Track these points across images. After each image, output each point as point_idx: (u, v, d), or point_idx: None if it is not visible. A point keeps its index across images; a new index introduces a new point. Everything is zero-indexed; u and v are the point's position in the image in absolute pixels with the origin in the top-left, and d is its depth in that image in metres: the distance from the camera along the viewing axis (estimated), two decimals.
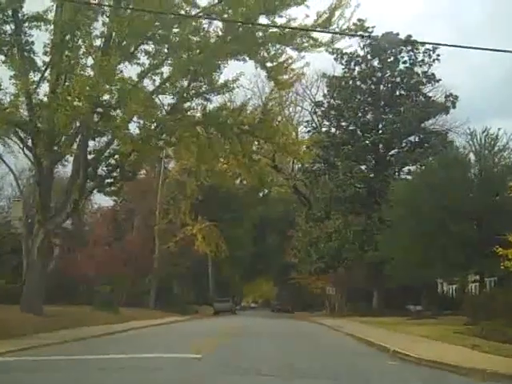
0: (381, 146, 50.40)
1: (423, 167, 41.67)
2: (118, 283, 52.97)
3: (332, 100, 52.43)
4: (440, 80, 50.55)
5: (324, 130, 53.42)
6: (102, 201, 66.25)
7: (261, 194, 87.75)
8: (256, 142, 32.74)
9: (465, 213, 30.89)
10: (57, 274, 55.59)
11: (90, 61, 25.49)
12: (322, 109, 53.35)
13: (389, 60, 50.52)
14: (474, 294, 54.59)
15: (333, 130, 52.71)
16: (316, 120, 57.49)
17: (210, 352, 16.94)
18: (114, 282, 52.89)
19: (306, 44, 28.16)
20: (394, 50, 50.22)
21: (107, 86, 23.66)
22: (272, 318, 52.78)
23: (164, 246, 54.45)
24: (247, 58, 28.60)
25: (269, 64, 29.02)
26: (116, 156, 28.62)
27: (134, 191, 61.88)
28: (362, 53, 50.99)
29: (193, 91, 28.17)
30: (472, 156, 32.71)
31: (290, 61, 29.02)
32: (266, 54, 28.65)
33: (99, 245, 54.47)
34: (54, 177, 29.94)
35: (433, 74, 50.31)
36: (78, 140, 27.80)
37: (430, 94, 51.39)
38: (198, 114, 29.30)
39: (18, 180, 46.60)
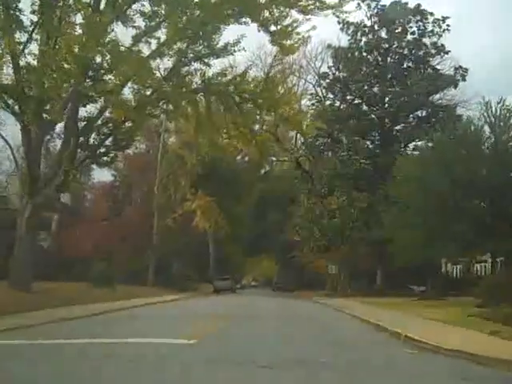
0: (387, 120, 48.41)
1: (432, 142, 39.79)
2: (115, 259, 51.39)
3: (337, 72, 50.31)
4: (449, 51, 48.49)
5: (328, 103, 51.14)
6: (101, 176, 64.61)
7: (262, 171, 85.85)
8: (258, 113, 30.62)
9: (477, 189, 29.09)
10: (54, 250, 54.34)
11: (80, 19, 23.47)
12: (327, 81, 51.23)
13: (396, 31, 48.47)
14: (479, 274, 53.26)
15: (337, 103, 50.53)
16: (320, 93, 55.34)
17: (205, 337, 15.17)
18: (112, 258, 51.34)
19: (312, 6, 26.14)
20: (402, 20, 48.09)
21: (98, 48, 21.62)
22: (272, 298, 51.07)
23: (163, 221, 52.64)
24: (249, 21, 26.61)
25: (272, 27, 27.03)
26: (109, 124, 26.63)
27: (133, 166, 60.17)
28: (368, 23, 49.14)
29: (191, 55, 26.21)
30: (486, 128, 30.69)
31: (295, 24, 26.97)
32: (269, 17, 26.62)
33: (97, 220, 52.80)
34: (46, 147, 28.10)
35: (442, 45, 48.19)
36: (68, 107, 25.82)
37: (439, 67, 49.28)
38: (197, 80, 27.30)
39: (14, 154, 44.89)
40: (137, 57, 23.07)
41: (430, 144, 44.10)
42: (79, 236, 52.05)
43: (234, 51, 26.01)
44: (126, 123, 26.25)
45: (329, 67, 51.37)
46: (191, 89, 27.22)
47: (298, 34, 27.35)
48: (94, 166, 65.97)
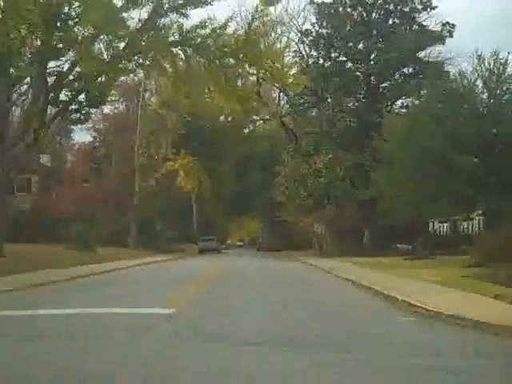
0: (373, 77, 46.69)
1: (420, 98, 38.35)
2: (96, 221, 49.90)
3: (321, 29, 48.22)
4: (436, 7, 46.56)
5: (312, 61, 49.13)
6: (82, 139, 62.80)
7: (246, 131, 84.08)
8: (239, 68, 28.73)
9: (470, 144, 27.68)
10: (33, 212, 52.77)
11: None
12: (310, 38, 49.11)
13: None
14: (466, 233, 52.32)
15: (321, 61, 48.53)
16: (303, 51, 53.23)
17: (184, 305, 13.73)
18: (92, 220, 49.86)
19: None
20: None
21: None
22: (258, 258, 49.86)
23: (145, 182, 50.99)
24: None
25: None
26: (81, 80, 24.71)
27: (113, 126, 58.29)
28: None
29: (167, 5, 24.17)
30: (479, 83, 29.09)
31: None
32: None
33: (77, 182, 51.09)
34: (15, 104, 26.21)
35: (429, 1, 46.20)
36: (36, 61, 23.86)
37: (425, 23, 47.39)
38: (174, 33, 25.37)
39: None
40: (107, 4, 21.07)
41: (417, 101, 42.83)
42: (59, 197, 50.52)
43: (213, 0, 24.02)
44: (99, 78, 24.30)
45: (312, 24, 49.32)
46: (168, 42, 25.29)
47: None
48: (74, 128, 64.64)
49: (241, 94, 28.57)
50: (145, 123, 52.30)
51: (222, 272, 27.57)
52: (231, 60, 26.72)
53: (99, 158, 57.57)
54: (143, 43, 24.34)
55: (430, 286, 17.95)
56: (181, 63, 27.23)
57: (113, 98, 57.15)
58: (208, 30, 25.89)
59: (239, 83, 29.80)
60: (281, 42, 53.38)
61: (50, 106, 24.80)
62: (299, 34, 52.42)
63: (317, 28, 48.32)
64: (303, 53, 52.34)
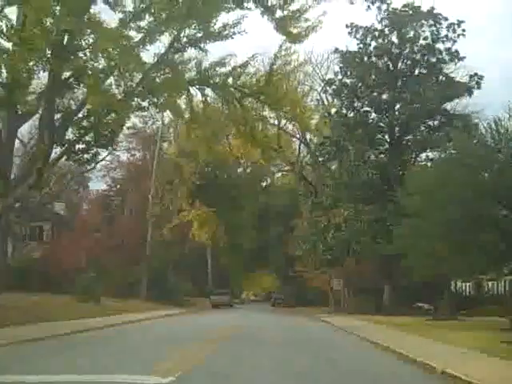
0: (397, 129, 44.67)
1: (448, 150, 36.27)
2: (106, 271, 47.82)
3: (344, 78, 46.51)
4: (464, 58, 44.73)
5: (334, 110, 47.29)
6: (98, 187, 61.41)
7: (264, 184, 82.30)
8: (260, 109, 26.86)
9: (504, 197, 25.44)
10: (44, 262, 50.81)
11: None
12: (333, 87, 47.31)
13: (408, 35, 44.75)
14: (491, 293, 49.62)
15: (344, 110, 46.63)
16: (326, 100, 51.57)
17: (185, 373, 11.39)
18: (100, 269, 47.77)
19: None
20: (414, 24, 44.42)
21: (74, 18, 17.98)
22: (272, 314, 47.23)
23: (158, 232, 48.95)
24: (253, 6, 23.10)
25: (279, 13, 23.45)
26: (90, 118, 22.93)
27: (129, 174, 56.73)
28: (379, 26, 45.12)
29: (185, 39, 22.47)
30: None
31: (303, 9, 23.40)
32: (274, 1, 23.10)
33: (88, 231, 49.17)
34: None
35: (456, 51, 44.51)
36: (44, 96, 22.16)
37: (453, 74, 45.56)
38: (192, 70, 23.66)
39: None
40: (122, 35, 19.36)
41: (444, 154, 40.83)
42: (70, 246, 48.51)
43: (234, 34, 22.26)
44: (109, 116, 22.50)
45: (335, 73, 47.50)
46: (185, 79, 23.54)
47: (306, 20, 23.77)
48: (92, 176, 63.23)
49: (260, 138, 26.66)
50: (160, 172, 50.63)
51: (234, 330, 25.19)
52: (251, 101, 24.81)
53: (113, 206, 55.83)
54: (158, 80, 22.55)
55: (467, 353, 15.54)
56: (198, 105, 25.50)
57: (130, 146, 55.83)
58: (228, 68, 24.15)
59: (259, 128, 27.87)
60: (303, 89, 52.00)
61: (55, 146, 22.87)
62: (322, 83, 50.85)
63: (340, 77, 46.56)
64: (325, 102, 50.71)
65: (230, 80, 24.25)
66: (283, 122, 52.82)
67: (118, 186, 58.49)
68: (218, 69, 23.89)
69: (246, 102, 24.80)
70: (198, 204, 51.47)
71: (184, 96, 24.13)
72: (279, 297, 74.07)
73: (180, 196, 50.36)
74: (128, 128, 54.56)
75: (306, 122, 27.82)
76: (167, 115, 57.09)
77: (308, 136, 54.26)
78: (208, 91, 24.80)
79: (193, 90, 24.49)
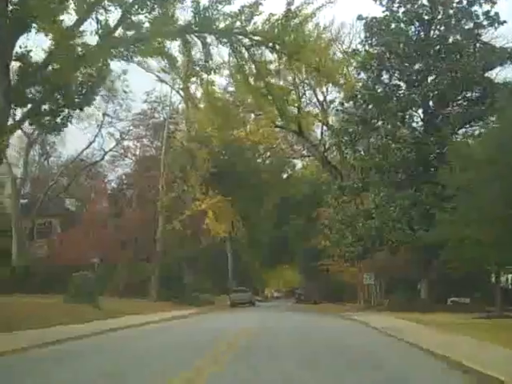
0: (432, 102, 38.78)
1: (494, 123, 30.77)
2: (112, 269, 42.81)
3: (370, 48, 40.55)
4: (505, 22, 38.65)
5: (360, 85, 41.17)
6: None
7: (284, 176, 76.60)
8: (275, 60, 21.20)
9: None
10: (50, 260, 46.53)
11: None
12: (359, 59, 41.35)
13: None
14: None
15: (371, 84, 40.53)
16: (349, 76, 45.57)
17: None
18: (109, 267, 42.79)
19: None
20: None
21: None
22: (296, 313, 41.51)
23: (169, 225, 43.46)
24: None
25: None
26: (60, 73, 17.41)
27: (138, 165, 51.57)
28: None
29: None
30: None
31: None
32: None
33: (94, 225, 44.04)
34: None
35: (496, 15, 38.47)
36: None
37: (492, 39, 39.61)
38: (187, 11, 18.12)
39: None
40: None
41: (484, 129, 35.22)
42: (77, 242, 43.54)
43: None
44: (83, 68, 17.03)
45: (360, 42, 41.58)
46: (179, 25, 18.01)
47: None
48: (100, 169, 58.19)
49: (277, 91, 21.02)
50: (171, 159, 45.10)
51: (248, 336, 19.66)
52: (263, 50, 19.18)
53: (121, 198, 50.58)
54: (145, 24, 17.05)
55: None
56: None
57: (139, 133, 50.57)
58: (234, 9, 18.57)
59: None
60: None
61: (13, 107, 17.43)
62: (346, 56, 44.84)
63: (366, 47, 40.60)
64: (350, 76, 44.71)
65: (238, 24, 18.66)
66: (303, 101, 47.51)
67: (124, 178, 53.19)
68: (220, 8, 18.27)
69: (256, 51, 19.16)
70: (213, 193, 45.45)
71: (179, 43, 18.54)
72: (303, 293, 67.93)
73: (193, 184, 44.56)
74: (137, 114, 49.58)
75: (332, 73, 22.18)
76: (176, 97, 52.14)
77: (331, 118, 48.66)
78: (209, 40, 19.18)
79: (190, 38, 18.88)
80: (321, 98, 48.93)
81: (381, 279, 44.27)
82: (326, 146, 50.38)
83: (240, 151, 53.60)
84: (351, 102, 41.25)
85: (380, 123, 39.07)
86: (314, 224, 58.36)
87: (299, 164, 76.31)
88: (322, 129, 50.39)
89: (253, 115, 52.43)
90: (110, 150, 51.97)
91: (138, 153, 52.15)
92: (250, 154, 58.76)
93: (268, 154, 67.14)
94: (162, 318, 30.23)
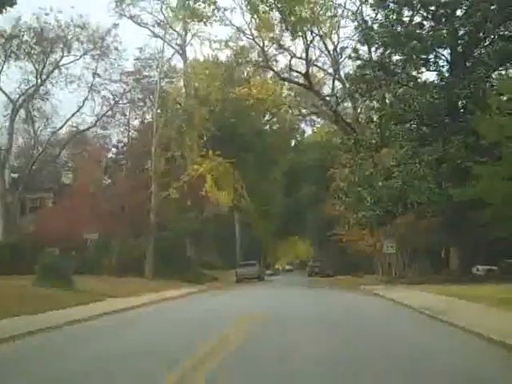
0: (461, 40, 32.61)
1: None
2: (105, 245, 37.54)
3: None
4: None
5: (377, 25, 34.88)
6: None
7: (293, 142, 70.68)
8: None
9: None
10: (36, 237, 40.99)
11: None
12: None
13: None
14: None
15: (389, 25, 34.17)
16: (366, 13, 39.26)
17: None
18: (101, 243, 37.53)
19: None
20: None
21: None
22: (310, 288, 35.78)
23: (164, 193, 37.73)
24: None
25: None
26: None
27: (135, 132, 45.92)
28: None
29: None
30: None
31: None
32: None
33: (86, 197, 38.51)
34: None
35: None
36: None
37: None
38: None
39: None
40: None
41: None
42: (64, 217, 38.05)
43: None
44: None
45: None
46: None
47: None
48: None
49: None
50: (165, 118, 39.06)
51: (255, 323, 14.17)
52: None
53: (116, 168, 44.88)
54: None
55: None
56: None
57: (129, 93, 44.69)
58: None
59: None
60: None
61: None
62: None
63: None
64: (366, 17, 38.29)
65: None
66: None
67: (121, 145, 47.41)
68: None
69: None
70: (212, 154, 39.25)
71: None
72: (316, 265, 61.60)
73: (190, 145, 38.49)
74: (130, 73, 43.88)
75: None
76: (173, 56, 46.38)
77: (343, 72, 42.49)
78: None
79: None
80: (331, 47, 42.70)
81: (402, 248, 38.53)
82: (339, 99, 44.15)
83: (243, 111, 47.61)
84: (366, 47, 35.17)
85: (399, 68, 33.01)
86: (327, 191, 52.83)
87: (309, 130, 70.57)
88: (334, 83, 44.14)
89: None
90: (104, 116, 46.03)
91: (132, 116, 46.17)
92: (255, 117, 52.66)
93: (275, 118, 61.12)
94: (151, 300, 24.66)
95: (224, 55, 56.47)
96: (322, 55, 44.04)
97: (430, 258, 39.52)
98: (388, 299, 23.68)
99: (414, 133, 32.25)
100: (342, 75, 42.55)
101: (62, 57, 43.56)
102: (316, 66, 44.86)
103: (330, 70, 44.93)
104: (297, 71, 43.50)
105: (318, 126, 64.65)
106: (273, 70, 45.56)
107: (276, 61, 47.16)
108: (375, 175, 32.59)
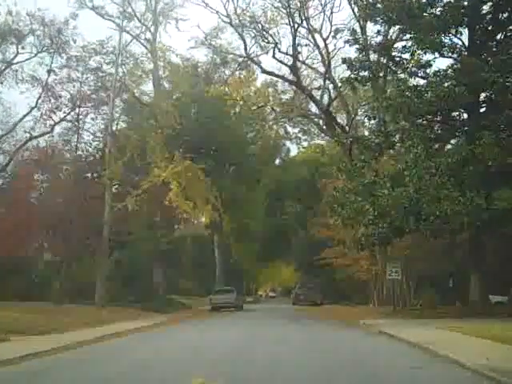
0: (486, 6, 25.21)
1: None
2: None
3: None
4: None
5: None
6: None
7: (277, 161, 63.32)
8: None
9: None
10: None
11: None
12: None
13: None
14: None
15: None
16: None
17: None
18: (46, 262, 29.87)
19: None
20: None
21: None
22: (297, 323, 27.75)
23: (120, 204, 29.74)
24: None
25: None
26: None
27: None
28: None
29: None
30: None
31: None
32: None
33: (19, 204, 30.68)
34: None
35: None
36: None
37: None
38: None
39: None
40: None
41: None
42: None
43: None
44: None
45: None
46: None
47: None
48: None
49: None
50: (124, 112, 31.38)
51: None
52: None
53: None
54: None
55: None
56: None
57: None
58: None
59: None
60: None
61: None
62: None
63: None
64: None
65: None
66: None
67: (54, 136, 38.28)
68: None
69: None
70: (177, 156, 30.85)
71: None
72: (302, 292, 53.14)
73: (151, 146, 30.37)
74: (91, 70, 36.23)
75: None
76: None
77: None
78: None
79: None
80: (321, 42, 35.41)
81: (407, 274, 30.79)
82: (331, 97, 36.65)
83: (222, 116, 40.03)
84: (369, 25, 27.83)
85: (409, 51, 25.59)
86: (314, 210, 45.70)
87: (294, 150, 63.73)
88: (325, 82, 36.48)
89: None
90: (62, 120, 37.92)
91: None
92: (236, 125, 45.07)
93: (259, 134, 53.75)
94: (70, 341, 16.75)
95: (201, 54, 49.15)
96: (312, 55, 36.96)
97: (435, 286, 31.99)
98: (406, 343, 16.06)
99: (427, 130, 24.83)
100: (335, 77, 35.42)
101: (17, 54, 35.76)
102: (305, 64, 37.58)
103: (321, 69, 37.64)
104: (282, 62, 36.30)
105: (305, 143, 57.71)
106: (255, 63, 38.36)
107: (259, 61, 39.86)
108: (378, 182, 24.95)
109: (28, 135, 36.95)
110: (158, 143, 30.30)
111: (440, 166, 22.98)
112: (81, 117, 35.30)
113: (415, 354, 13.92)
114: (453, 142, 26.28)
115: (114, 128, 30.43)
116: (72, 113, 36.17)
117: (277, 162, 63.32)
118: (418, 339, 15.81)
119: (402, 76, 25.67)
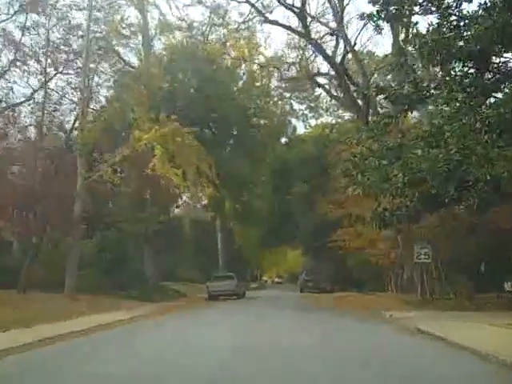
0: None
1: None
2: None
3: None
4: None
5: None
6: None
7: (283, 140, 57.82)
8: None
9: None
10: None
11: None
12: None
13: None
14: None
15: None
16: None
17: None
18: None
19: None
20: None
21: None
22: (307, 314, 22.54)
23: (94, 173, 24.40)
24: None
25: None
26: None
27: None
28: None
29: None
30: None
31: None
32: None
33: None
34: None
35: None
36: None
37: None
38: None
39: None
40: None
41: None
42: None
43: None
44: None
45: None
46: None
47: None
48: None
49: None
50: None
51: None
52: None
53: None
54: None
55: None
56: None
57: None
58: None
59: None
60: None
61: None
62: None
63: None
64: None
65: None
66: None
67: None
68: None
69: None
70: (163, 117, 25.14)
71: None
72: (310, 278, 47.75)
73: (137, 106, 24.74)
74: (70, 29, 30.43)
75: None
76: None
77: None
78: None
79: None
80: None
81: (442, 255, 25.34)
82: (346, 49, 30.94)
83: (219, 79, 34.35)
84: None
85: None
86: (323, 191, 40.81)
87: (301, 128, 58.24)
88: (338, 42, 30.71)
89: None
90: (41, 88, 32.11)
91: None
92: (237, 93, 39.56)
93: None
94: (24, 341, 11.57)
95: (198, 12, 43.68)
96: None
97: (467, 273, 26.61)
98: (467, 351, 10.73)
99: (467, 77, 19.37)
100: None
101: None
102: (315, 18, 31.88)
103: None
104: (288, 7, 30.37)
105: (312, 121, 52.68)
106: (254, 7, 32.52)
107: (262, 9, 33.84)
108: (409, 143, 19.45)
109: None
110: (140, 101, 24.83)
111: (485, 121, 17.50)
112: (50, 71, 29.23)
113: (497, 375, 8.59)
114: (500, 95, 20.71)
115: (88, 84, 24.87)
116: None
117: (282, 140, 58.12)
118: (487, 346, 10.52)
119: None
